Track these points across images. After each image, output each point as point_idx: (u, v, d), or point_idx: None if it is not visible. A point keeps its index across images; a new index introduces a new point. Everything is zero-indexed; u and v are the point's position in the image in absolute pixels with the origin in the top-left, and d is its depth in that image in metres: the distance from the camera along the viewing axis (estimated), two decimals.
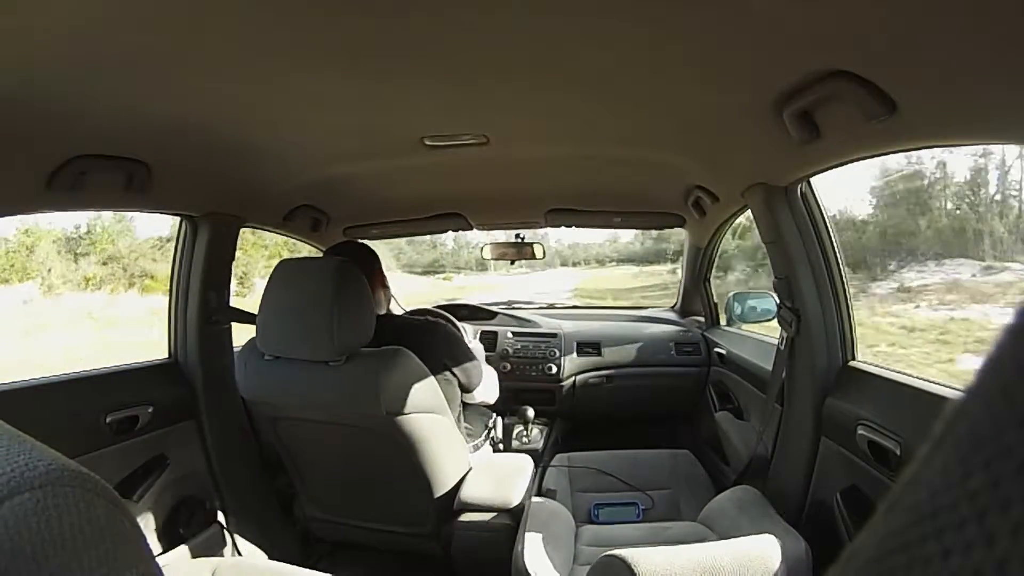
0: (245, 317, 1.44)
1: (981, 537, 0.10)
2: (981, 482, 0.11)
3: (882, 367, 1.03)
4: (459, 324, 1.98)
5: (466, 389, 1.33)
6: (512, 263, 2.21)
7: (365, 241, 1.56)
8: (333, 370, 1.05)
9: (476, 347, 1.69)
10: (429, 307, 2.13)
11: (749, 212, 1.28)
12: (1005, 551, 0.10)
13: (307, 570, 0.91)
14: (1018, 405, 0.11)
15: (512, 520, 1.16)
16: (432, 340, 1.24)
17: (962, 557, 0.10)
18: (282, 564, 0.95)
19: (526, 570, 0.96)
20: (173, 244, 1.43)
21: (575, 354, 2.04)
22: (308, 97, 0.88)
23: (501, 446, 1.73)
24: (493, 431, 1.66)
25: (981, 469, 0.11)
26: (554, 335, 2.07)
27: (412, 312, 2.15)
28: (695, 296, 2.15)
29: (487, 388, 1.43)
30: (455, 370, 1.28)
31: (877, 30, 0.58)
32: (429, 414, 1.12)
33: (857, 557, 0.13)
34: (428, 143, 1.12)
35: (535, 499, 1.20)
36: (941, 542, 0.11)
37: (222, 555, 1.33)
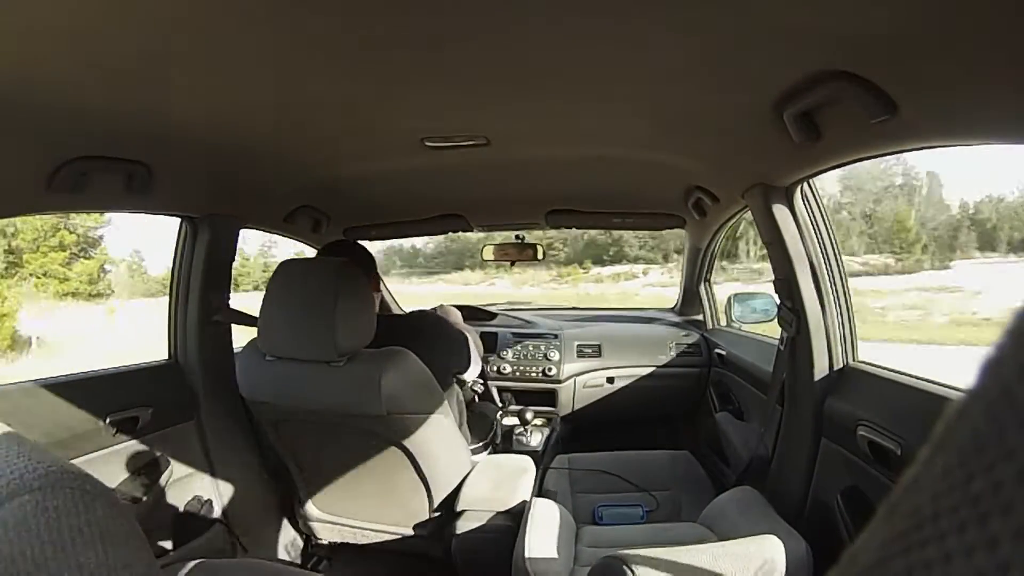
0: (246, 320, 1.44)
1: (983, 541, 0.10)
2: (983, 485, 0.11)
3: (882, 367, 1.03)
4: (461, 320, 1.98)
5: (459, 372, 1.35)
6: (512, 264, 2.20)
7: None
8: (334, 370, 1.05)
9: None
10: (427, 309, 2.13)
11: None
12: (1008, 555, 0.10)
13: (308, 571, 0.91)
14: (1019, 407, 0.11)
15: (513, 521, 1.16)
16: (423, 333, 1.25)
17: (964, 561, 0.10)
18: (283, 565, 0.95)
19: (527, 571, 0.96)
20: None
21: (575, 355, 2.04)
22: (308, 98, 0.88)
23: (501, 447, 1.72)
24: (495, 434, 1.66)
25: (983, 472, 0.11)
26: (554, 336, 2.07)
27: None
28: (695, 297, 2.15)
29: (474, 366, 1.45)
30: (449, 357, 1.30)
31: (878, 30, 0.58)
32: (430, 414, 1.12)
33: (857, 560, 0.13)
34: (428, 144, 1.12)
35: (536, 500, 1.20)
36: (943, 546, 0.11)
37: (223, 556, 1.33)
